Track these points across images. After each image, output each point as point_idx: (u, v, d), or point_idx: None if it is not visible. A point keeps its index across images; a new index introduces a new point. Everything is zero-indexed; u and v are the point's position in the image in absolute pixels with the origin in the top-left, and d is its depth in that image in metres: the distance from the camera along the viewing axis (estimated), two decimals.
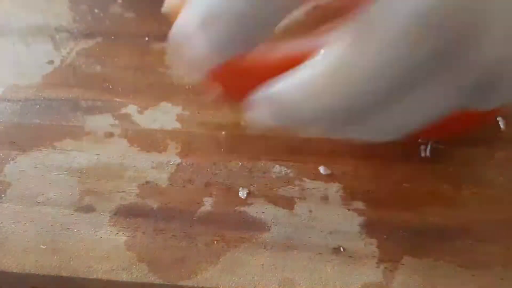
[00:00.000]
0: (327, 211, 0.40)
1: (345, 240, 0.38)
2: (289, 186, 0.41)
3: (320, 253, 0.37)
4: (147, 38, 0.51)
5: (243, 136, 0.43)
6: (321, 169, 0.42)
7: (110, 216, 0.39)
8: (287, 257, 0.37)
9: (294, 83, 0.26)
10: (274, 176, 0.41)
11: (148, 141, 0.43)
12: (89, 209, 0.40)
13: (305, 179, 0.41)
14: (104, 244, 0.38)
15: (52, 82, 0.48)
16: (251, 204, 0.40)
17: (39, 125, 0.45)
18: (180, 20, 0.29)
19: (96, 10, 0.54)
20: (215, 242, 0.38)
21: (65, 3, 0.55)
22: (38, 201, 0.40)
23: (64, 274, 0.36)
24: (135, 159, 0.42)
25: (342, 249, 0.38)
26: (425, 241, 0.38)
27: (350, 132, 0.29)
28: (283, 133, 0.43)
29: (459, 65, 0.25)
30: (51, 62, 0.50)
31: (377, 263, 0.37)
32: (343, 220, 0.39)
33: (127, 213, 0.39)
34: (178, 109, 0.45)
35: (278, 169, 0.42)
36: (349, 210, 0.40)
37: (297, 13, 0.39)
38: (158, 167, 0.42)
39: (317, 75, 0.26)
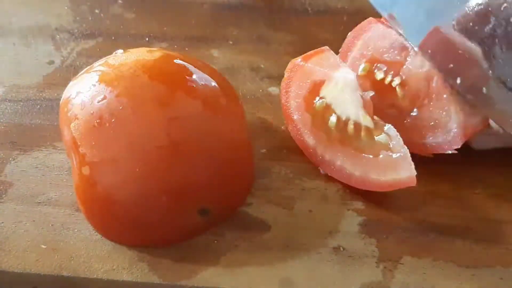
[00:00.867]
0: (327, 211, 0.40)
1: (344, 240, 0.38)
2: (289, 186, 0.41)
3: (319, 253, 0.37)
4: (147, 39, 0.51)
5: None
6: (321, 169, 0.42)
7: None
8: (287, 257, 0.37)
9: None
10: (274, 176, 0.41)
11: None
12: None
13: (305, 179, 0.41)
14: (104, 243, 0.38)
15: (52, 82, 0.48)
16: (251, 204, 0.40)
17: (40, 125, 0.45)
18: None
19: (96, 11, 0.54)
20: (215, 241, 0.38)
21: (65, 4, 0.55)
22: (39, 201, 0.40)
23: (64, 273, 0.36)
24: None
25: (341, 249, 0.38)
26: (424, 241, 0.38)
27: None
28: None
29: None
30: (51, 62, 0.50)
31: (376, 262, 0.37)
32: (342, 220, 0.39)
33: None
34: None
35: (277, 169, 0.42)
36: (348, 210, 0.40)
37: None
38: None
39: None
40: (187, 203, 0.36)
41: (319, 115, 0.41)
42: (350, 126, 0.40)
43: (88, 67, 0.41)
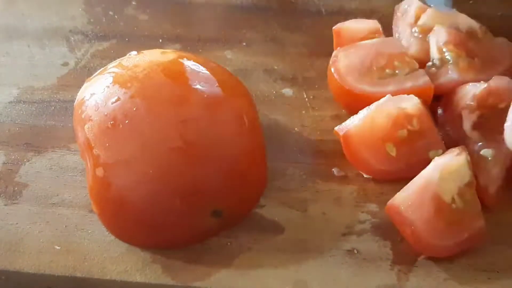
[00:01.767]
0: (341, 213, 0.39)
1: (358, 242, 0.38)
2: (302, 188, 0.41)
3: (333, 255, 0.37)
4: (161, 40, 0.52)
5: None
6: (335, 171, 0.42)
7: None
8: (301, 259, 0.37)
9: None
10: (287, 178, 0.41)
11: None
12: None
13: (318, 181, 0.41)
14: (118, 245, 0.38)
15: (67, 83, 0.48)
16: (264, 206, 0.40)
17: (54, 127, 0.45)
18: None
19: (110, 12, 0.54)
20: (229, 243, 0.38)
21: (80, 5, 0.55)
22: (53, 202, 0.40)
23: (78, 274, 0.37)
24: None
25: (356, 252, 0.37)
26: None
27: None
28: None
29: None
30: (66, 64, 0.50)
31: (391, 265, 0.37)
32: (356, 223, 0.39)
33: None
34: None
35: (291, 171, 0.42)
36: (362, 212, 0.39)
37: None
38: None
39: None
40: (200, 204, 0.36)
41: None
42: None
43: (102, 68, 0.41)
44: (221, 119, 0.37)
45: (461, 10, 0.48)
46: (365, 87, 0.43)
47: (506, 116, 0.37)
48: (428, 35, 0.46)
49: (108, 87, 0.38)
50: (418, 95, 0.41)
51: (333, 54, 0.46)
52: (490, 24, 0.47)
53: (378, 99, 0.41)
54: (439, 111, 0.43)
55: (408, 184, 0.37)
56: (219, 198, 0.37)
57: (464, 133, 0.41)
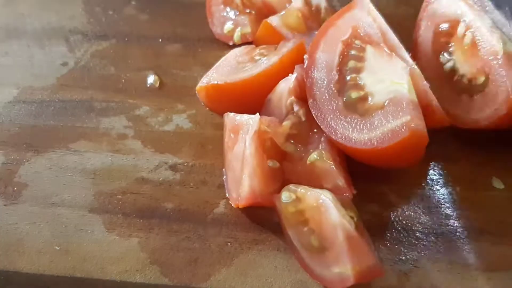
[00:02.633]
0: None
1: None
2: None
3: None
4: (160, 40, 0.51)
5: None
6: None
7: (123, 218, 0.39)
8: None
9: None
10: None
11: (161, 142, 0.44)
12: (102, 210, 0.40)
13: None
14: (117, 245, 0.38)
15: (66, 83, 0.48)
16: (264, 206, 0.40)
17: (53, 127, 0.45)
18: None
19: (110, 12, 0.54)
20: (228, 244, 0.38)
21: (79, 5, 0.55)
22: (53, 202, 0.40)
23: (78, 275, 0.36)
24: (148, 161, 0.42)
25: None
26: (440, 244, 0.38)
27: None
28: None
29: None
30: (65, 63, 0.50)
31: (391, 265, 0.37)
32: (357, 222, 0.39)
33: (141, 215, 0.39)
34: (191, 111, 0.45)
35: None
36: (363, 212, 0.39)
37: None
38: (172, 168, 0.42)
39: None
40: None
41: None
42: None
43: None
44: None
45: None
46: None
47: None
48: None
49: None
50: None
51: None
52: None
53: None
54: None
55: None
56: None
57: None
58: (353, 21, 0.42)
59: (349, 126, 0.39)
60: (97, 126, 0.45)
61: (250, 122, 0.39)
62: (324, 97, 0.40)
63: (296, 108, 0.41)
